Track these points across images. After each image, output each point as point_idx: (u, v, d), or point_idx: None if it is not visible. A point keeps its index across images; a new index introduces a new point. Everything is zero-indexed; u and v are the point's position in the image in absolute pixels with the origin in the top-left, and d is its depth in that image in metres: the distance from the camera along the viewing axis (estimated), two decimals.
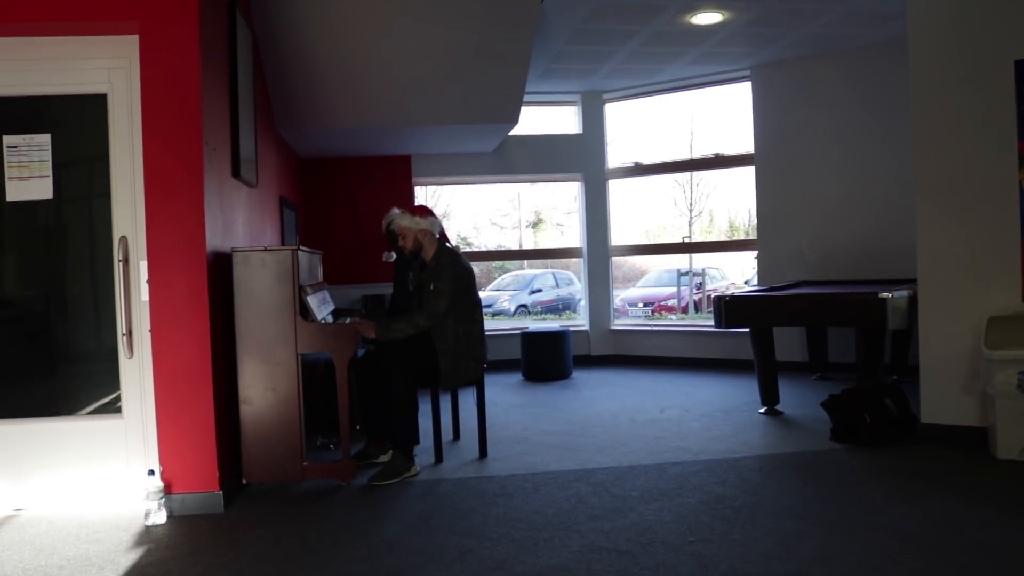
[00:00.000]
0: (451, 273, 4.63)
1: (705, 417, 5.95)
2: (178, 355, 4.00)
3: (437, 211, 5.43)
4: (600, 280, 9.23)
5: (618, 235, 9.37)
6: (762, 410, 6.04)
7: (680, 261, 18.86)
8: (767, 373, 6.01)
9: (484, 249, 17.84)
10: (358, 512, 3.97)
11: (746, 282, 20.00)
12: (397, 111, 6.91)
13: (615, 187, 9.33)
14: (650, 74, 8.38)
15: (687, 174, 18.18)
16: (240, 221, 4.94)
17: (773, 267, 8.17)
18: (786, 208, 8.07)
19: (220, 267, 4.26)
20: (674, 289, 18.51)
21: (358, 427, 5.77)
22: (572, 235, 23.26)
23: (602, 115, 9.20)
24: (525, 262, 22.38)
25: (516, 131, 8.52)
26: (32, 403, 4.21)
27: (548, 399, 7.01)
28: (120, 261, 4.06)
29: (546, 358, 8.15)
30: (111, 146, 4.13)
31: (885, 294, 5.24)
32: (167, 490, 3.97)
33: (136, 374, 4.12)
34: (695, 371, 8.30)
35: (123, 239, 4.09)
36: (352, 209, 8.63)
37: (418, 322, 4.60)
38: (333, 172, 8.63)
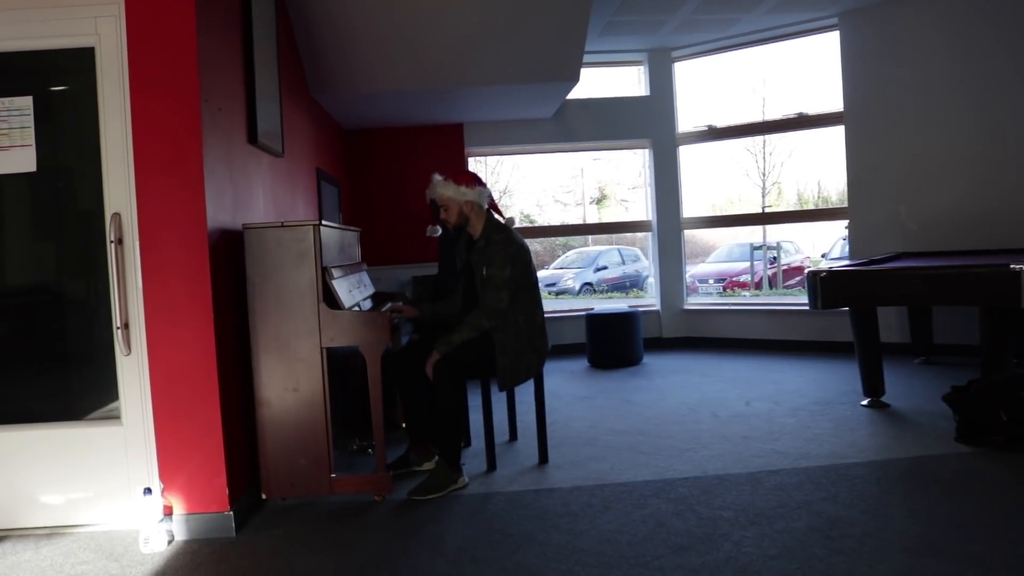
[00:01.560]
0: (505, 254, 3.93)
1: (799, 411, 5.16)
2: (177, 352, 3.39)
3: (496, 188, 4.76)
4: (671, 256, 8.43)
5: (688, 207, 8.55)
6: (865, 402, 5.22)
7: (752, 235, 17.87)
8: (871, 360, 5.17)
9: (548, 224, 17.06)
10: (392, 538, 3.32)
11: (823, 256, 18.91)
12: (444, 71, 6.21)
13: (685, 154, 8.50)
14: (724, 26, 7.51)
15: (760, 140, 17.12)
16: (260, 194, 4.31)
17: (867, 238, 7.27)
18: (881, 171, 7.15)
19: (229, 247, 3.64)
20: (746, 264, 17.53)
21: (404, 425, 5.14)
22: (638, 210, 22.36)
23: (671, 75, 8.36)
24: (590, 238, 21.61)
25: (577, 94, 7.77)
26: (18, 407, 3.66)
27: (617, 389, 6.28)
28: (112, 242, 3.46)
29: (614, 342, 7.40)
30: (100, 109, 3.51)
31: (1017, 266, 4.37)
32: (168, 511, 3.38)
33: (135, 374, 3.52)
34: (781, 355, 7.47)
35: (116, 216, 3.48)
36: (401, 184, 7.99)
37: (480, 323, 3.92)
38: (379, 143, 8.00)
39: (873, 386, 5.19)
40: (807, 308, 7.79)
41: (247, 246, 3.62)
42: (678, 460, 4.21)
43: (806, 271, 5.25)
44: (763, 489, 3.66)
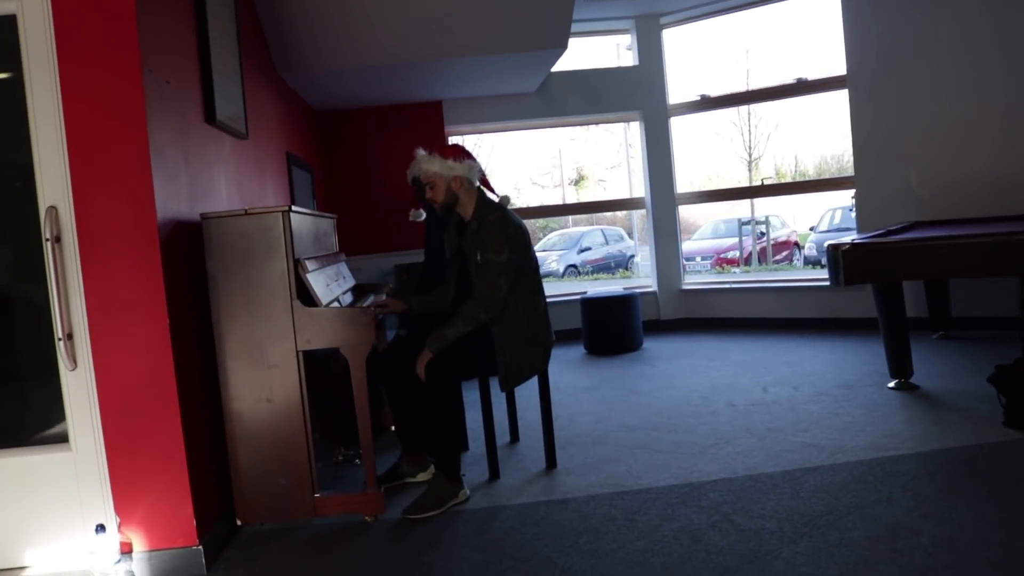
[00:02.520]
0: (501, 236, 3.48)
1: (824, 396, 4.75)
2: (128, 364, 2.91)
3: None
4: (667, 233, 7.99)
5: (681, 182, 8.11)
6: (892, 384, 4.82)
7: (734, 209, 17.49)
8: (898, 339, 4.77)
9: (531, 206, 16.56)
10: (384, 570, 2.88)
11: (811, 229, 18.56)
12: (420, 43, 5.72)
13: (676, 126, 8.05)
14: None
15: (745, 112, 16.74)
16: (223, 181, 3.83)
17: (875, 207, 6.85)
18: (889, 137, 6.73)
19: (186, 242, 3.17)
20: (734, 240, 17.17)
21: (393, 428, 4.70)
22: (617, 189, 21.93)
23: (660, 42, 7.90)
24: (570, 219, 21.17)
25: (562, 66, 7.30)
26: None
27: (620, 378, 5.85)
28: (49, 240, 2.97)
29: (612, 327, 6.97)
30: (27, 86, 3.02)
31: None
32: (127, 548, 2.92)
33: (84, 391, 3.04)
34: (790, 334, 7.06)
35: (51, 210, 2.99)
36: (377, 167, 7.50)
37: (477, 315, 3.47)
38: (353, 125, 7.49)
39: (901, 367, 4.79)
40: (815, 284, 7.44)
41: (207, 239, 3.15)
42: (701, 459, 3.79)
43: (827, 244, 4.83)
44: (804, 491, 3.24)
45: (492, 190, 3.74)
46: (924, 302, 6.40)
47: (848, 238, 5.01)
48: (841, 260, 4.66)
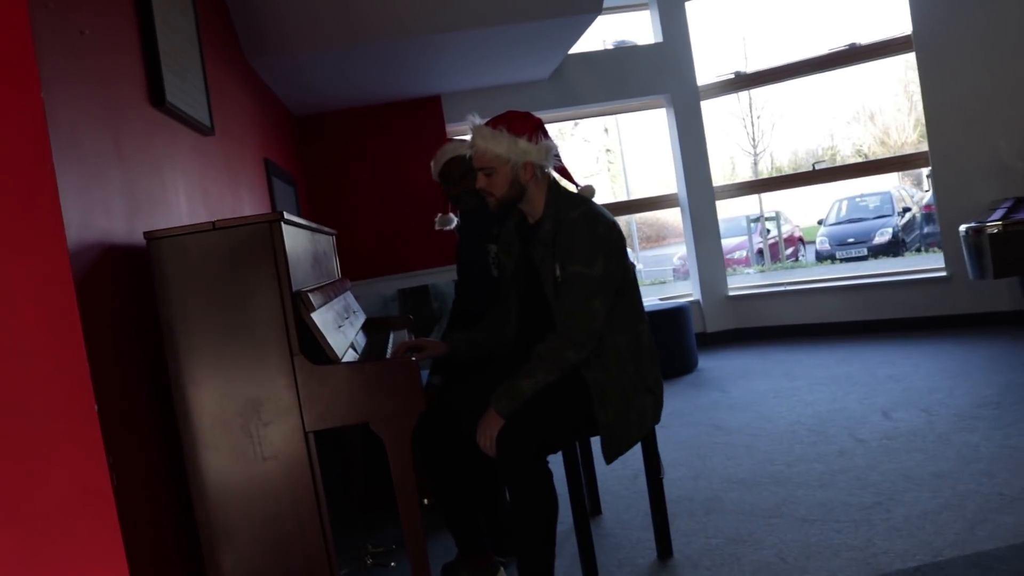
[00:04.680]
0: (593, 241, 2.42)
1: (974, 422, 3.70)
2: (33, 493, 1.80)
3: None
4: (708, 233, 6.95)
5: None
6: None
7: (730, 207, 16.49)
8: None
9: None
10: None
11: (820, 223, 17.61)
12: (417, 14, 4.65)
13: (706, 109, 7.03)
14: None
15: (746, 103, 15.78)
16: (180, 187, 2.73)
17: (958, 185, 5.85)
18: (968, 103, 5.74)
19: (123, 274, 2.07)
20: (742, 239, 16.20)
21: (425, 501, 3.60)
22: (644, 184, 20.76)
23: (684, 16, 6.89)
24: None
25: (577, 48, 6.25)
26: None
27: (692, 411, 4.77)
28: None
29: (660, 346, 5.85)
30: None
31: None
32: None
33: None
34: (866, 341, 6.02)
35: None
36: (369, 177, 6.42)
37: (564, 355, 2.38)
38: (338, 130, 6.40)
39: None
40: (889, 279, 6.42)
41: (157, 269, 2.04)
42: (873, 531, 2.71)
43: (963, 229, 3.80)
44: None
45: (571, 178, 2.68)
46: (1019, 294, 5.37)
47: (993, 220, 3.97)
48: (988, 247, 3.63)
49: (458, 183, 3.08)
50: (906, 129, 26.25)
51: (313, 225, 2.75)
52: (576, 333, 2.37)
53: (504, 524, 2.86)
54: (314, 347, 2.14)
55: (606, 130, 21.77)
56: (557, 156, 2.55)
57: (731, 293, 6.98)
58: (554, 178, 2.58)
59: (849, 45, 6.43)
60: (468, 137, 2.60)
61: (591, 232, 2.40)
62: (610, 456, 2.44)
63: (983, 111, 5.67)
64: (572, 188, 2.64)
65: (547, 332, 2.48)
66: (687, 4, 6.88)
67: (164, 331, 2.04)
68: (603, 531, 3.13)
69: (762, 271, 14.25)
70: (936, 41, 5.81)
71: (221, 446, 2.05)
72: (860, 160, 15.49)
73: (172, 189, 2.60)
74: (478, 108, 6.43)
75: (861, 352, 5.64)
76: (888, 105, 27.72)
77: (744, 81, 6.97)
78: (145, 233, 2.05)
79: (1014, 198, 5.32)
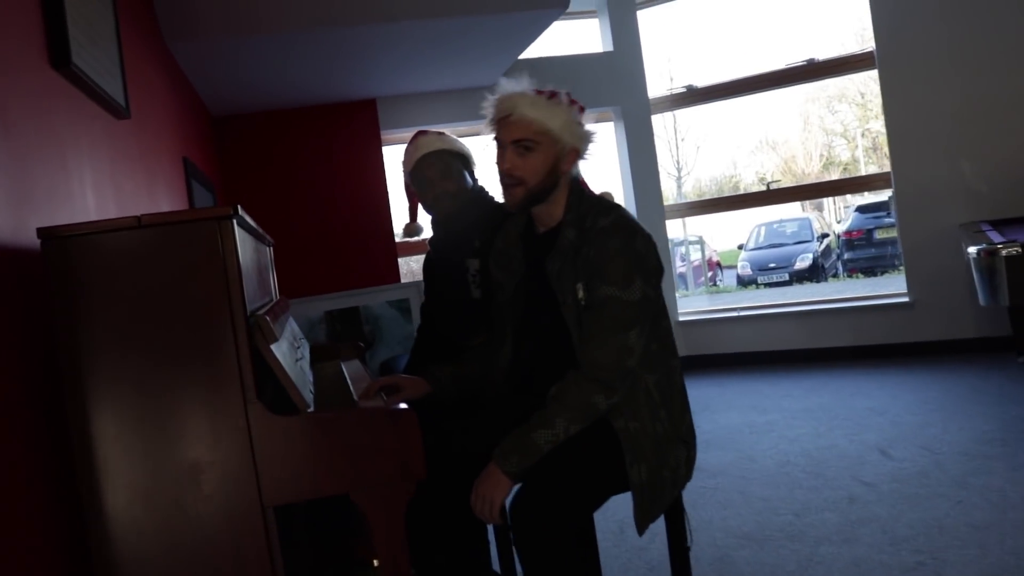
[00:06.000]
0: (631, 256, 1.91)
1: (989, 461, 3.36)
2: None
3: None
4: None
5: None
6: None
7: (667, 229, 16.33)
8: None
9: None
10: None
11: (740, 247, 17.64)
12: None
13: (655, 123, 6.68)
14: None
15: (670, 123, 15.66)
16: (87, 175, 2.13)
17: (921, 206, 5.63)
18: (932, 122, 5.53)
19: (3, 279, 1.48)
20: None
21: (375, 563, 3.01)
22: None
23: (635, 25, 6.54)
24: None
25: (525, 54, 5.81)
26: None
27: None
28: None
29: None
30: None
31: None
32: None
33: None
34: (826, 369, 5.72)
35: None
36: (293, 186, 5.83)
37: (592, 400, 1.86)
38: (261, 132, 5.79)
39: None
40: (839, 306, 6.16)
41: (54, 277, 1.46)
42: None
43: (974, 250, 3.48)
44: None
45: (584, 184, 2.19)
46: (1006, 319, 5.14)
47: (1002, 242, 3.66)
48: (1005, 270, 3.31)
49: (434, 184, 2.55)
50: (813, 159, 26.86)
51: (258, 229, 2.18)
52: (607, 372, 1.86)
53: None
54: (271, 391, 1.58)
55: None
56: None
57: (681, 319, 6.61)
58: (577, 176, 2.09)
59: (807, 60, 6.18)
60: (491, 108, 2.07)
61: (628, 245, 1.91)
62: (643, 523, 1.93)
63: (947, 131, 5.47)
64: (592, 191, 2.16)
65: (553, 368, 1.98)
66: (639, 12, 6.53)
67: (63, 366, 1.45)
68: None
69: (685, 294, 14.07)
70: (899, 58, 5.59)
71: (145, 531, 1.47)
72: (819, 181, 15.66)
73: (77, 178, 2.00)
74: (417, 115, 5.94)
75: (828, 381, 5.32)
76: (790, 135, 28.31)
77: (697, 95, 6.64)
78: (39, 230, 1.46)
79: (986, 221, 5.10)
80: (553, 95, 2.00)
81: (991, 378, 4.74)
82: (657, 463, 1.94)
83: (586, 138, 2.03)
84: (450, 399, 2.22)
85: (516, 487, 1.85)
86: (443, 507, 2.04)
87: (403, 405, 1.61)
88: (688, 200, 7.96)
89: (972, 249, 3.52)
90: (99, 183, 2.20)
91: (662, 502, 1.97)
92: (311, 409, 1.59)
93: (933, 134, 5.52)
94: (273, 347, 1.60)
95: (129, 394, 1.46)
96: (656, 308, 1.98)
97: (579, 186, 2.06)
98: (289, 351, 1.87)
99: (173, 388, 1.47)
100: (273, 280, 2.92)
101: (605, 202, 2.02)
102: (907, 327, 5.69)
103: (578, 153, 2.02)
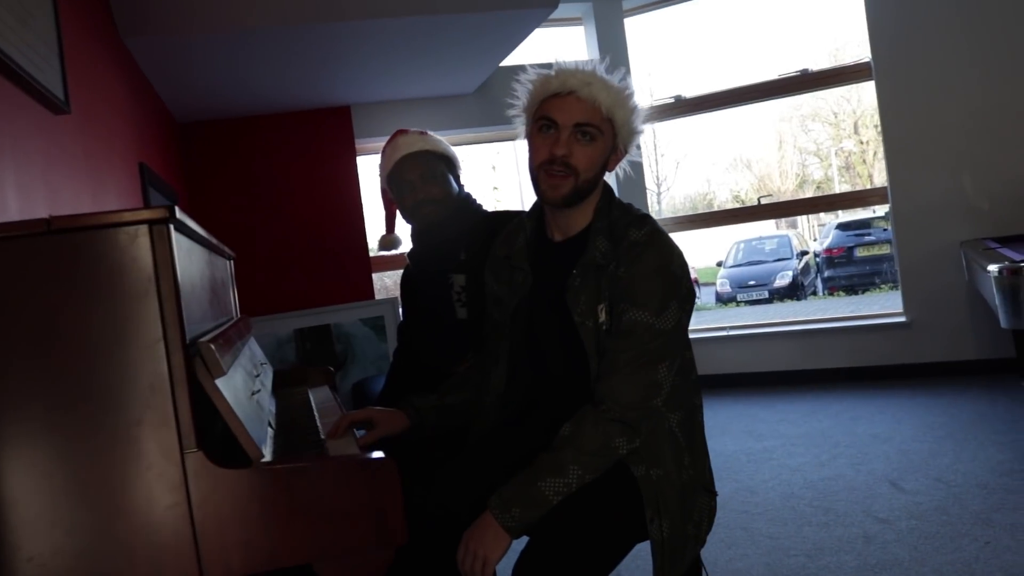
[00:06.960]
0: (667, 277, 1.64)
1: (1012, 496, 3.11)
2: None
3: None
4: None
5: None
6: None
7: None
8: None
9: None
10: None
11: (719, 264, 17.48)
12: None
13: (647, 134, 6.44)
14: None
15: (650, 139, 15.47)
16: (10, 175, 1.82)
17: (920, 224, 5.42)
18: (930, 135, 5.33)
19: None
20: None
21: None
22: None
23: (622, 33, 6.31)
24: None
25: (506, 61, 5.56)
26: None
27: None
28: None
29: None
30: None
31: None
32: None
33: None
34: (815, 391, 5.47)
35: None
36: (262, 196, 5.52)
37: (610, 444, 1.57)
38: (229, 140, 5.47)
39: None
40: (833, 325, 5.93)
41: None
42: None
43: (995, 268, 3.25)
44: None
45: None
46: (1010, 340, 4.93)
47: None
48: None
49: (416, 188, 2.26)
50: (788, 176, 26.86)
51: (212, 239, 1.88)
52: (631, 411, 1.58)
53: None
54: (220, 432, 1.28)
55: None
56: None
57: None
58: (607, 185, 1.82)
59: (801, 71, 5.97)
60: (545, 81, 1.74)
61: (666, 267, 1.62)
62: None
63: (946, 145, 5.27)
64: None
65: (557, 400, 1.71)
66: (626, 19, 6.30)
67: None
68: None
69: None
70: (897, 69, 5.39)
71: None
72: (814, 196, 15.52)
73: None
74: (394, 122, 5.61)
75: (825, 405, 5.07)
76: (765, 154, 28.33)
77: (685, 106, 6.41)
78: None
79: (990, 238, 4.89)
80: (623, 81, 1.73)
81: (997, 402, 4.51)
82: (681, 518, 1.66)
83: (636, 140, 1.76)
84: (432, 433, 1.93)
85: (513, 542, 1.56)
86: (423, 570, 1.74)
87: (379, 454, 1.31)
88: (666, 216, 7.73)
89: (993, 267, 3.29)
90: (25, 183, 1.89)
91: (684, 558, 1.68)
92: (265, 459, 1.28)
93: (932, 148, 5.31)
94: (220, 381, 1.30)
95: (31, 444, 1.16)
96: (687, 339, 1.70)
97: (610, 190, 1.79)
98: (244, 383, 1.58)
99: (87, 436, 1.17)
100: (233, 297, 2.62)
101: (636, 211, 1.75)
102: (905, 348, 5.46)
103: (624, 154, 1.76)
